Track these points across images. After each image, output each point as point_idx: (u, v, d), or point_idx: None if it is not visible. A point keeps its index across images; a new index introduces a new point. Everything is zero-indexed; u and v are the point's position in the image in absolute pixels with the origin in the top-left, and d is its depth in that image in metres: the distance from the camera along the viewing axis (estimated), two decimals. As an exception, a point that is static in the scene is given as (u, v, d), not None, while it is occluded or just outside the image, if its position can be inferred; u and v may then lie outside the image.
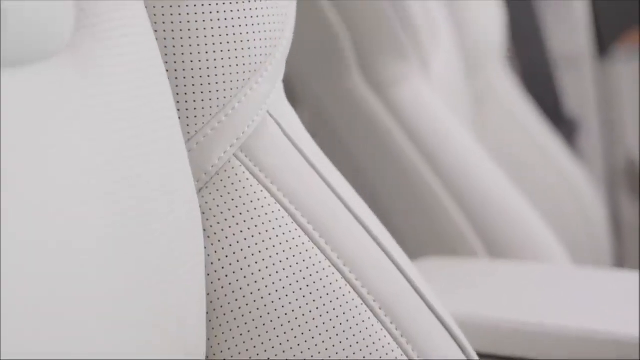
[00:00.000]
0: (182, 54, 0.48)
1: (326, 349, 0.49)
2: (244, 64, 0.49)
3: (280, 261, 0.49)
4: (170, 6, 0.47)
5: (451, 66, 1.13)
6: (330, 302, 0.49)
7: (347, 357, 0.49)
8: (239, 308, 0.48)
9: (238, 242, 0.49)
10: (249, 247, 0.49)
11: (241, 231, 0.49)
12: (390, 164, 0.94)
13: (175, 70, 0.48)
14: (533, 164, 1.30)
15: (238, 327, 0.48)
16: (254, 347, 0.48)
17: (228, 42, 0.48)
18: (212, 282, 0.48)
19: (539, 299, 0.73)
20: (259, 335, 0.48)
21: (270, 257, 0.49)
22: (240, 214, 0.49)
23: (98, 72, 0.41)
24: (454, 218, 0.92)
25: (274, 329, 0.48)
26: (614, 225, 1.50)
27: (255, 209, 0.49)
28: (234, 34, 0.49)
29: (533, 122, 1.33)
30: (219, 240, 0.49)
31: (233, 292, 0.48)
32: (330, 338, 0.49)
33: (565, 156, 1.34)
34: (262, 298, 0.48)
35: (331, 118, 0.97)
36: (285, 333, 0.48)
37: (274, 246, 0.49)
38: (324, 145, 0.96)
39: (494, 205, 0.93)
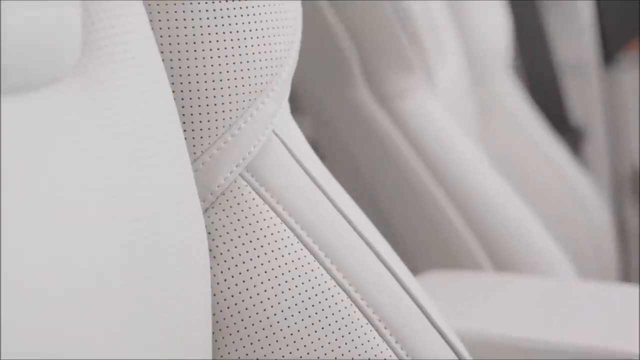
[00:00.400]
0: (189, 75, 0.48)
1: (331, 369, 0.49)
2: (250, 84, 0.49)
3: (286, 281, 0.49)
4: (177, 27, 0.48)
5: (456, 74, 1.13)
6: (336, 322, 0.49)
7: (352, 377, 0.49)
8: (245, 328, 0.48)
9: (244, 262, 0.49)
10: (254, 267, 0.49)
11: (247, 251, 0.49)
12: (394, 175, 0.94)
13: (182, 91, 0.48)
14: (538, 172, 1.30)
15: (244, 347, 0.48)
16: (260, 366, 0.48)
17: (234, 63, 0.49)
18: (217, 302, 0.48)
19: (543, 315, 0.73)
20: (265, 355, 0.48)
21: (276, 277, 0.49)
22: (246, 234, 0.49)
23: (102, 96, 0.41)
24: (458, 229, 0.92)
25: (280, 349, 0.48)
26: (620, 232, 1.50)
27: (260, 228, 0.49)
28: (240, 54, 0.49)
29: (538, 129, 1.33)
30: (225, 260, 0.49)
31: (239, 312, 0.48)
32: (335, 358, 0.49)
33: (571, 164, 1.34)
34: (267, 318, 0.48)
35: (334, 126, 0.96)
36: (290, 353, 0.48)
37: (279, 266, 0.49)
38: (326, 153, 0.96)
39: (498, 216, 0.92)
